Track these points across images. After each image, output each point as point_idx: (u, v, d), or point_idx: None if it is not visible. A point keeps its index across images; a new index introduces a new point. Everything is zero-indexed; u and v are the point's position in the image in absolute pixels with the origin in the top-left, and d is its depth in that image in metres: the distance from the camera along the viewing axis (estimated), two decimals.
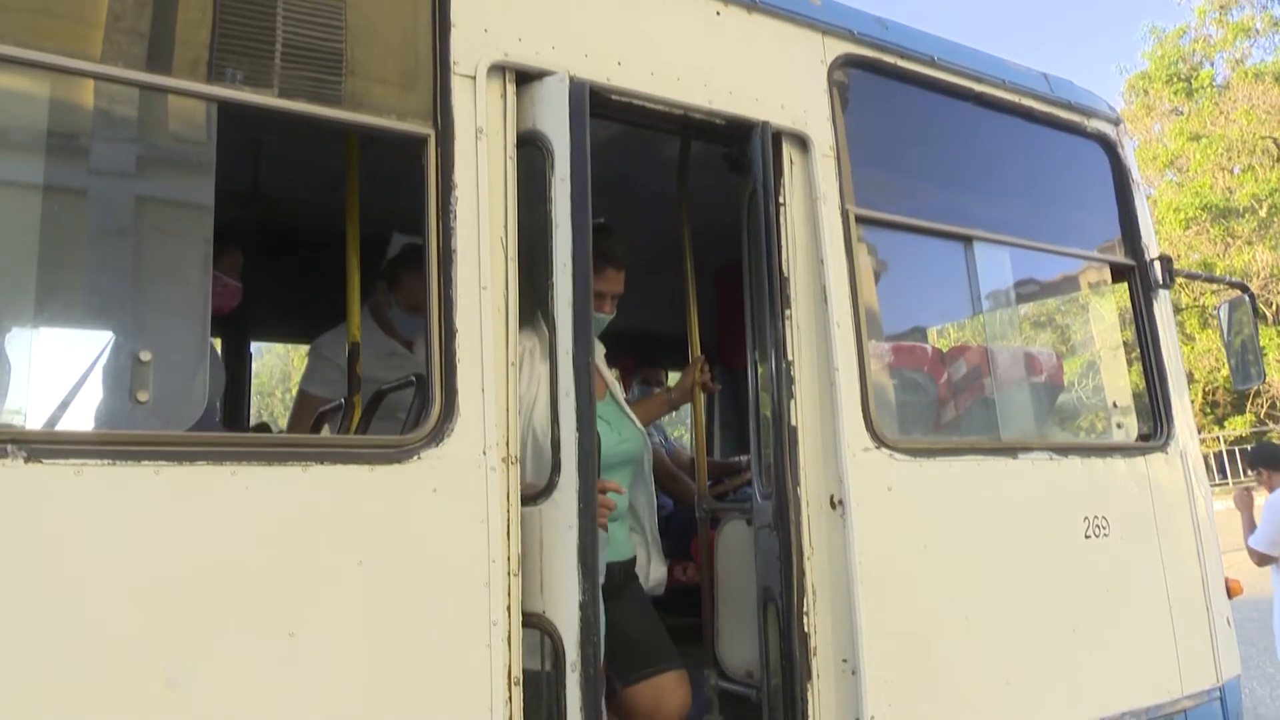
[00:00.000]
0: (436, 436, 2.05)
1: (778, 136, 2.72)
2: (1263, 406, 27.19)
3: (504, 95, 2.34)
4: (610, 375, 3.11)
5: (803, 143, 2.78)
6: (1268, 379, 25.22)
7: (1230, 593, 3.50)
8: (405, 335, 3.42)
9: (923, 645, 2.65)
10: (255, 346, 4.75)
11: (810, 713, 2.46)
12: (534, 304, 2.44)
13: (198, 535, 1.76)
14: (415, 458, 2.01)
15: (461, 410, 2.09)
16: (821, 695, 2.50)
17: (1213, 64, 29.81)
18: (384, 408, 2.63)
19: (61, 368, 2.04)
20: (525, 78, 2.37)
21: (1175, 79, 29.54)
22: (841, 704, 2.52)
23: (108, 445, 1.72)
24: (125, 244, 2.16)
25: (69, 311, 2.06)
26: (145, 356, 1.93)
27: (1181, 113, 29.76)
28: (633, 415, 3.05)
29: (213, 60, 2.02)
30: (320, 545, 1.88)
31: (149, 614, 1.70)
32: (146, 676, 1.68)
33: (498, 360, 2.18)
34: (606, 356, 3.23)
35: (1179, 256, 23.89)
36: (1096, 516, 3.09)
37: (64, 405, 2.00)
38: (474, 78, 2.26)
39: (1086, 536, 3.06)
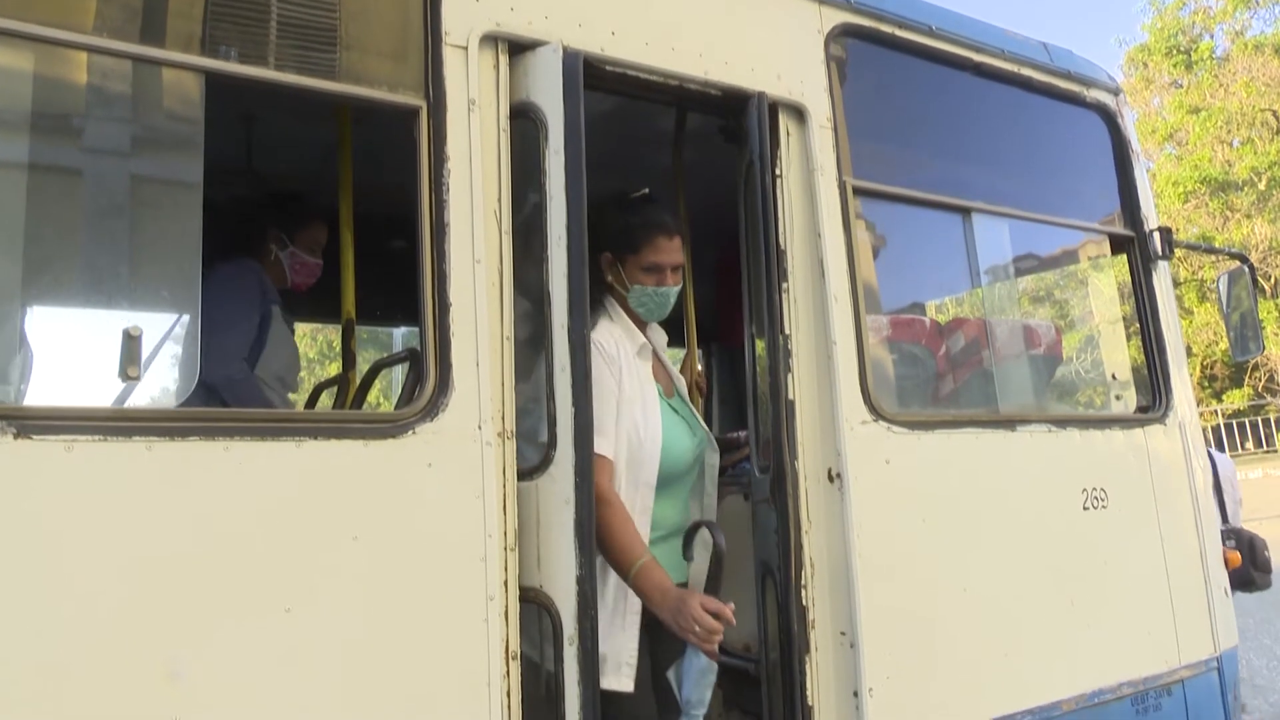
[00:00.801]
0: (431, 411, 2.04)
1: (774, 108, 2.70)
2: (1260, 380, 27.23)
3: (496, 66, 2.31)
4: (675, 369, 2.89)
5: (799, 114, 2.75)
6: (1266, 352, 25.25)
7: (1228, 564, 3.50)
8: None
9: (921, 618, 2.65)
10: None
11: (808, 685, 2.47)
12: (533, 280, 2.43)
13: (191, 511, 1.75)
14: (410, 432, 2.00)
15: (456, 385, 2.07)
16: (820, 668, 2.50)
17: (1212, 36, 29.63)
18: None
19: (51, 343, 2.03)
20: (518, 48, 2.34)
21: (1175, 51, 29.36)
22: (840, 677, 2.52)
23: (99, 421, 1.71)
24: (115, 219, 2.13)
25: (58, 287, 2.04)
26: (135, 331, 1.91)
27: (1181, 85, 29.61)
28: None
29: (205, 34, 1.99)
30: (315, 521, 1.87)
31: (142, 591, 1.69)
32: (140, 654, 1.68)
33: (493, 334, 2.16)
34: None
35: (1178, 230, 23.79)
36: (1095, 488, 3.09)
37: (54, 381, 1.99)
38: (466, 48, 2.23)
39: (1085, 508, 3.06)
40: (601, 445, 2.36)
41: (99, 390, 2.02)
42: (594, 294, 2.49)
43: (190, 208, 2.08)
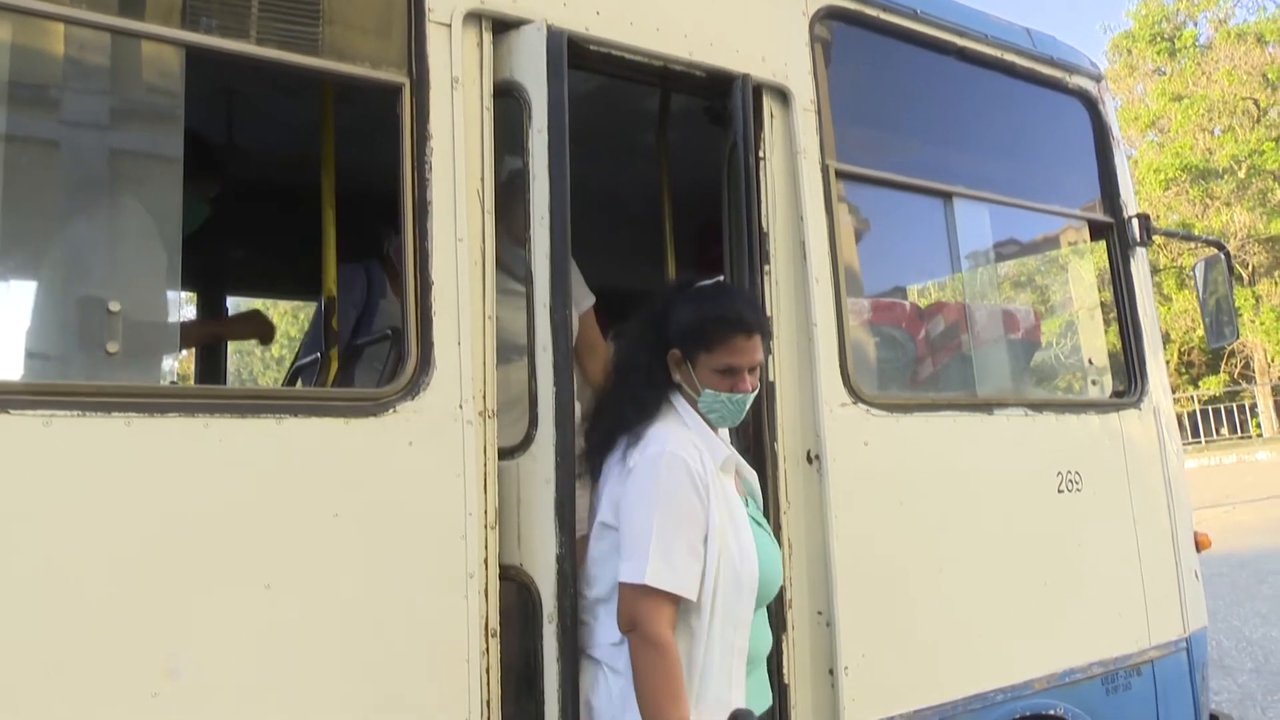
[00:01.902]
0: (412, 390, 2.04)
1: (758, 89, 2.70)
2: (1236, 367, 27.55)
3: (480, 44, 2.30)
4: (748, 469, 2.35)
5: (784, 96, 2.75)
6: (1241, 339, 25.53)
7: (1199, 546, 3.56)
8: None
9: (897, 597, 2.69)
10: (232, 302, 4.70)
11: (785, 664, 2.50)
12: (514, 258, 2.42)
13: (170, 488, 1.75)
14: (391, 411, 2.00)
15: (438, 363, 2.07)
16: (796, 646, 2.53)
17: (1196, 24, 29.78)
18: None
19: (29, 318, 2.01)
20: (502, 26, 2.33)
21: (1159, 39, 29.49)
22: (816, 655, 2.55)
23: (77, 396, 1.70)
24: (93, 192, 2.12)
25: (35, 262, 2.03)
26: (115, 307, 1.90)
27: (1164, 73, 29.76)
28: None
29: (185, 6, 1.97)
30: (295, 498, 1.87)
31: (120, 567, 1.69)
32: (120, 631, 1.68)
33: (474, 313, 2.16)
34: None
35: (1158, 217, 24.00)
36: (1070, 471, 3.13)
37: (32, 356, 1.98)
38: (449, 25, 2.22)
39: (1059, 491, 3.10)
40: (668, 580, 1.98)
41: (78, 366, 2.01)
42: (662, 393, 2.22)
43: (170, 182, 2.06)
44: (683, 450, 2.10)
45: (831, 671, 2.53)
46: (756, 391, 2.24)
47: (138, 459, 1.73)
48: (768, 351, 2.56)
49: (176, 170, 2.06)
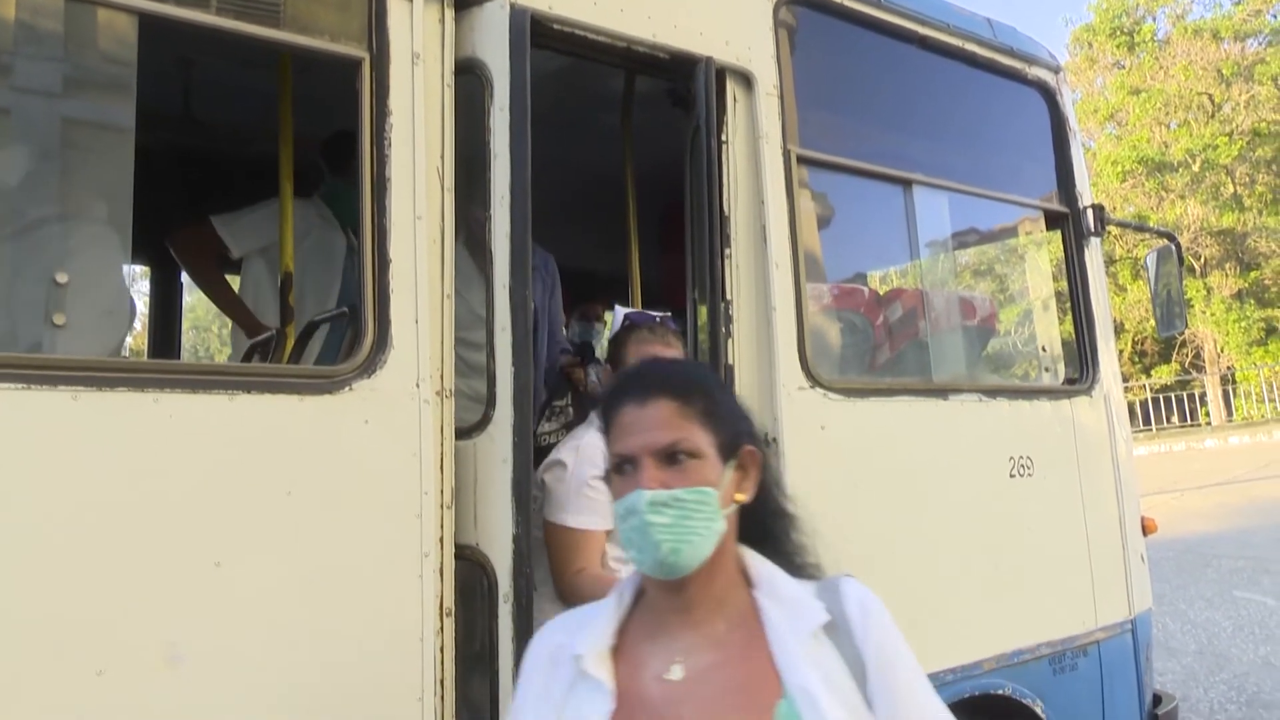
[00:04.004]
0: (369, 368, 2.02)
1: (721, 73, 2.70)
2: (1187, 356, 28.12)
3: (442, 20, 2.28)
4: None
5: (747, 80, 2.75)
6: (1193, 329, 26.07)
7: (1145, 530, 3.64)
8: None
9: None
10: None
11: None
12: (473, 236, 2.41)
13: (117, 463, 1.73)
14: (347, 389, 1.99)
15: (395, 342, 2.06)
16: None
17: (1155, 18, 30.16)
18: None
19: None
20: (464, 3, 2.31)
21: (1119, 32, 29.83)
22: None
23: (22, 369, 1.67)
24: (43, 162, 2.07)
25: None
26: (62, 279, 1.87)
27: (1123, 66, 30.14)
28: None
29: None
30: (248, 475, 1.85)
31: (65, 544, 1.67)
32: (64, 607, 1.66)
33: (432, 292, 2.15)
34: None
35: (1115, 209, 24.41)
36: (1022, 456, 3.19)
37: None
38: (410, 0, 2.19)
39: (1011, 476, 3.16)
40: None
41: (23, 337, 1.96)
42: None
43: (122, 153, 2.02)
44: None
45: None
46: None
47: (84, 433, 1.70)
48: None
49: (128, 141, 2.02)
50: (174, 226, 3.25)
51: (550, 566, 2.40)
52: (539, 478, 2.43)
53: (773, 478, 1.51)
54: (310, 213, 3.34)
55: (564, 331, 3.40)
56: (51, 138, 2.09)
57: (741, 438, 1.43)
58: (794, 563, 1.51)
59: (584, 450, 2.38)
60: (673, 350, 2.49)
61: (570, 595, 2.29)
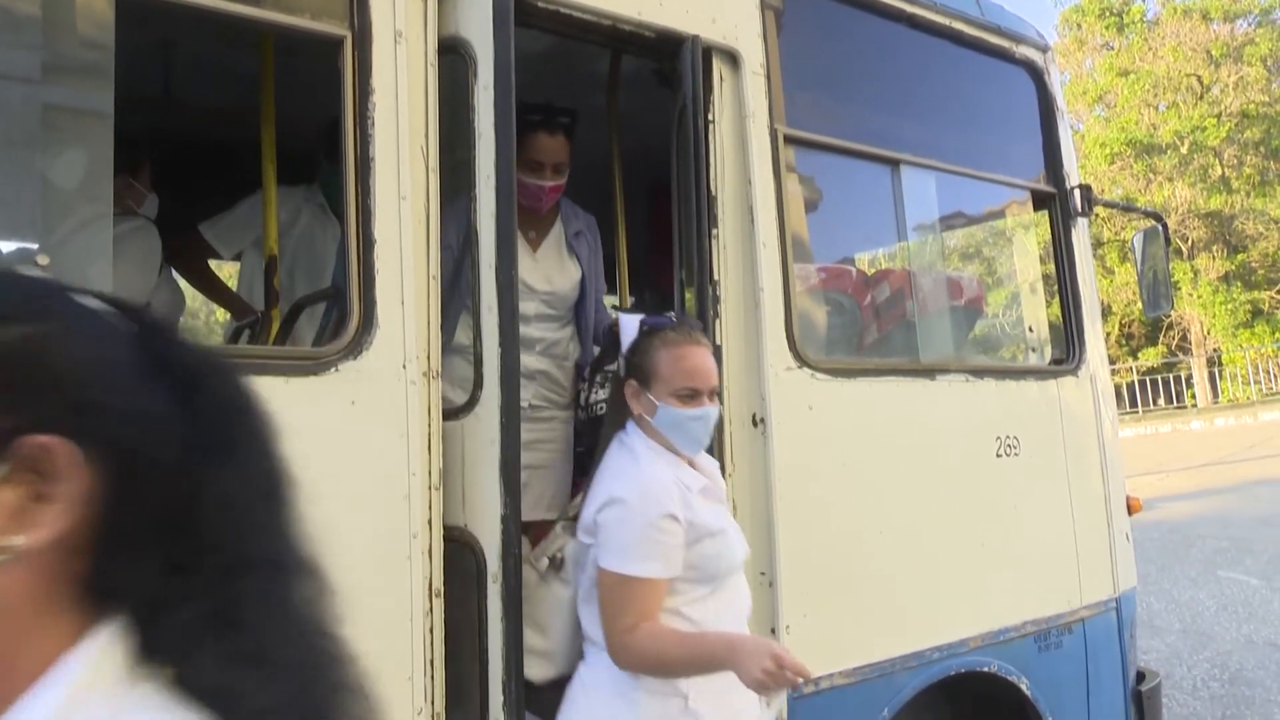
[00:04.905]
0: (355, 349, 2.02)
1: (708, 52, 2.68)
2: (1174, 339, 28.27)
3: None
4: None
5: (733, 59, 2.74)
6: (1179, 313, 26.19)
7: (1130, 510, 3.67)
8: None
9: (838, 558, 2.74)
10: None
11: None
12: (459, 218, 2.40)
13: None
14: (332, 370, 1.98)
15: (381, 323, 2.05)
16: None
17: None
18: None
19: None
20: None
21: (1107, 13, 29.80)
22: (759, 614, 2.58)
23: None
24: (19, 147, 2.04)
25: None
26: (43, 260, 1.85)
27: (1112, 48, 30.12)
28: None
29: None
30: None
31: None
32: None
33: (418, 272, 2.14)
34: None
35: (1103, 191, 24.44)
36: (1008, 436, 3.20)
37: None
38: None
39: (998, 455, 3.17)
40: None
41: None
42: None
43: (101, 137, 2.00)
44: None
45: (774, 630, 2.58)
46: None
47: None
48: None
49: (107, 124, 2.00)
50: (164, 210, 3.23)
51: (601, 618, 2.08)
52: (592, 518, 2.12)
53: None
54: (300, 199, 3.33)
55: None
56: (31, 121, 2.06)
57: None
58: None
59: (649, 488, 2.09)
60: (704, 346, 2.24)
61: (623, 653, 2.03)
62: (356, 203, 2.06)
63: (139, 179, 3.16)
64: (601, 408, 2.69)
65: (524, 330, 2.64)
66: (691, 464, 2.25)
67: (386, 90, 2.12)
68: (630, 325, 2.30)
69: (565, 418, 2.94)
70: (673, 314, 2.39)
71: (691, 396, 2.16)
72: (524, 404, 2.62)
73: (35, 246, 1.92)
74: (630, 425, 2.24)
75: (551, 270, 2.97)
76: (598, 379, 2.83)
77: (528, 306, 2.77)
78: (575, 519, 2.27)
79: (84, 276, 2.14)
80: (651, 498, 2.06)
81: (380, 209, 2.08)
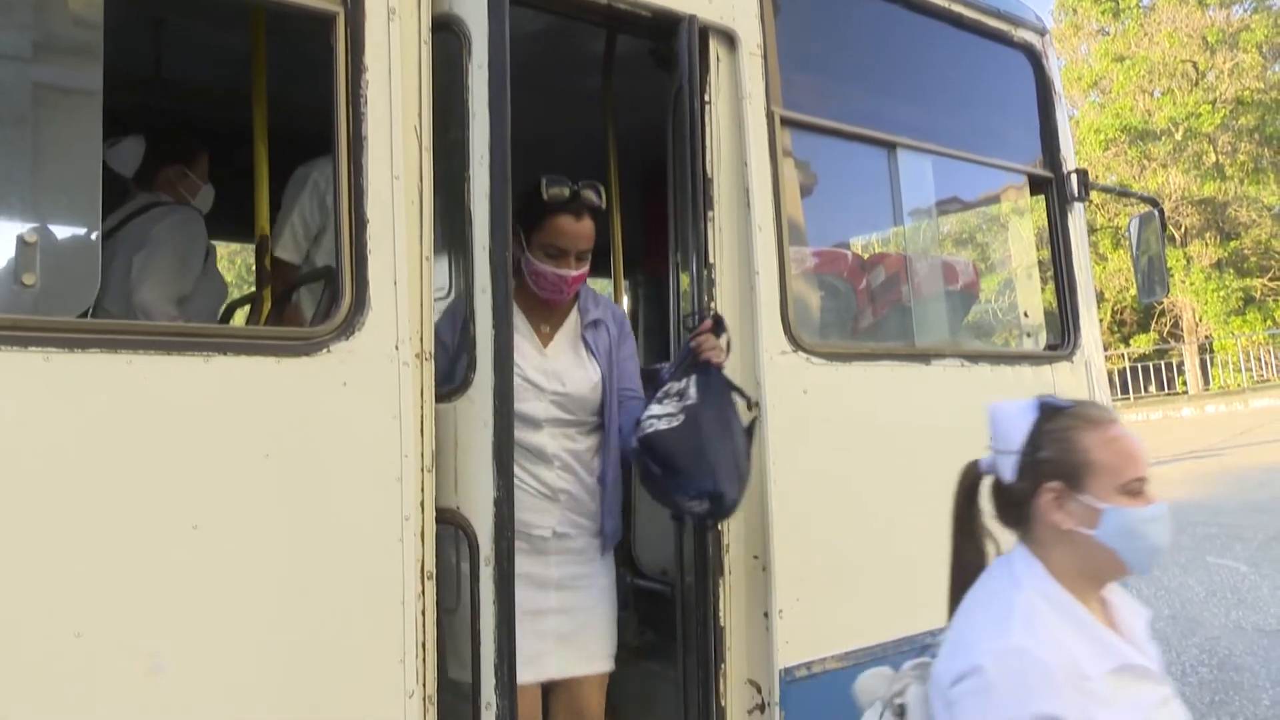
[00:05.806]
0: (347, 330, 2.00)
1: (704, 32, 2.66)
2: (1166, 326, 28.34)
3: None
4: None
5: (730, 40, 2.72)
6: (1171, 299, 26.26)
7: None
8: None
9: (832, 543, 2.73)
10: None
11: (721, 606, 2.53)
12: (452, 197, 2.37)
13: (91, 426, 1.70)
14: (324, 350, 1.96)
15: (373, 303, 2.03)
16: (733, 590, 2.57)
17: None
18: None
19: None
20: None
21: None
22: (751, 598, 2.59)
23: None
24: (10, 127, 2.02)
25: None
26: (31, 238, 1.83)
27: (1108, 33, 30.07)
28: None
29: None
30: (225, 438, 1.83)
31: (38, 508, 1.64)
32: (39, 571, 1.64)
33: (411, 253, 2.12)
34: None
35: (1098, 177, 24.35)
36: None
37: None
38: None
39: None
40: None
41: None
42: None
43: (90, 115, 1.98)
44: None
45: (766, 614, 2.58)
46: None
47: (57, 395, 1.67)
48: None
49: (96, 103, 1.97)
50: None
51: None
52: (946, 681, 1.69)
53: None
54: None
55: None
56: (21, 100, 2.04)
57: None
58: None
59: (1026, 669, 1.59)
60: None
61: None
62: (349, 182, 2.04)
63: (195, 169, 3.09)
64: (656, 424, 2.42)
65: (536, 439, 2.53)
66: (1104, 608, 1.77)
67: (379, 68, 2.09)
68: (1011, 415, 1.93)
69: (599, 545, 2.65)
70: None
71: (1140, 491, 1.71)
72: (549, 532, 2.53)
73: (25, 225, 1.90)
74: (1021, 553, 1.79)
75: (564, 368, 2.64)
76: (659, 395, 2.48)
77: (536, 408, 2.55)
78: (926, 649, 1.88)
79: (71, 257, 2.13)
80: (1025, 685, 1.57)
81: (373, 189, 2.05)
